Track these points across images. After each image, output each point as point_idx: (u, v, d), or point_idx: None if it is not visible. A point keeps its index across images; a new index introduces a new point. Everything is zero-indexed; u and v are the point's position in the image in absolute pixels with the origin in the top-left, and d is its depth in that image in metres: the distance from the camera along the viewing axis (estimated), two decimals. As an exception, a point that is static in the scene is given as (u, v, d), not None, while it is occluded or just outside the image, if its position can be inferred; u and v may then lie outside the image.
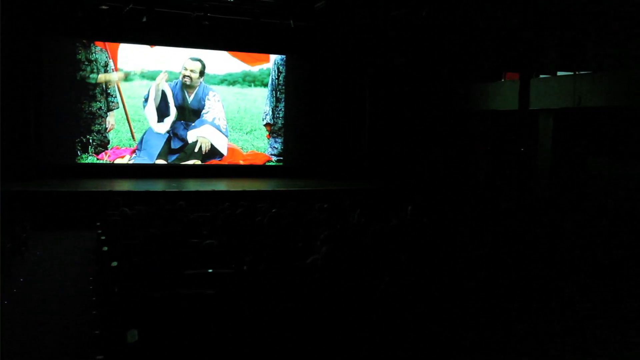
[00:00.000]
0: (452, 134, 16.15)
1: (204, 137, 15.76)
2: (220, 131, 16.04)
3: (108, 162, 14.83)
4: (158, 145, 15.29)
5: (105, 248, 6.38)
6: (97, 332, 5.59)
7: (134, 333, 3.54)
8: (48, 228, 10.89)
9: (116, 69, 14.78)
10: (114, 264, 5.26)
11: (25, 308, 6.34)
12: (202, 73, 15.58)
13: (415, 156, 16.21)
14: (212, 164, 15.94)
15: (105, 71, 14.67)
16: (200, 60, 15.53)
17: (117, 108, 14.86)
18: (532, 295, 4.37)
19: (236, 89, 16.11)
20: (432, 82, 16.27)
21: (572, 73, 13.00)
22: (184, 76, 15.36)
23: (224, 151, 16.11)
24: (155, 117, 15.18)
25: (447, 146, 16.02)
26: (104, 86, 14.67)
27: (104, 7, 12.98)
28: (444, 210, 9.11)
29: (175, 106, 15.36)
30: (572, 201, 12.13)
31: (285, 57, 16.60)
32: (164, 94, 15.19)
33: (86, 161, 14.58)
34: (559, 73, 13.35)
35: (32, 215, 10.31)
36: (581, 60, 13.21)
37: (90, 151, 14.62)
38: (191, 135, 15.56)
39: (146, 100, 15.07)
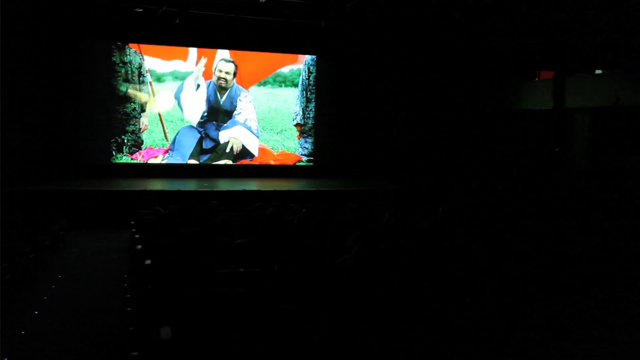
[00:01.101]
0: (484, 134, 15.99)
1: (236, 138, 15.91)
2: (252, 132, 16.13)
3: (142, 162, 15.12)
4: (190, 145, 15.50)
5: (139, 246, 6.53)
6: (131, 328, 5.77)
7: (167, 330, 3.60)
8: (84, 227, 11.11)
9: (148, 71, 15.10)
10: (148, 262, 5.36)
11: (63, 304, 6.48)
12: (235, 74, 15.74)
13: (446, 157, 16.07)
14: (243, 164, 16.08)
15: (140, 78, 14.89)
16: (233, 62, 15.67)
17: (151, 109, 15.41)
18: (562, 295, 4.30)
19: (267, 90, 16.20)
20: (464, 81, 16.08)
21: (609, 71, 12.69)
22: (219, 78, 15.52)
23: (255, 152, 16.21)
24: (191, 108, 15.44)
25: (479, 146, 15.89)
26: (133, 99, 14.94)
27: (138, 9, 13.19)
28: (474, 212, 9.01)
29: (208, 106, 15.56)
30: (609, 201, 11.81)
31: (316, 58, 16.63)
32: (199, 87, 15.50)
33: (121, 161, 14.89)
34: (596, 71, 13.09)
35: (69, 214, 10.57)
36: (619, 58, 12.85)
37: (124, 151, 14.91)
38: (223, 136, 15.73)
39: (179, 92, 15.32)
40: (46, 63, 13.35)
